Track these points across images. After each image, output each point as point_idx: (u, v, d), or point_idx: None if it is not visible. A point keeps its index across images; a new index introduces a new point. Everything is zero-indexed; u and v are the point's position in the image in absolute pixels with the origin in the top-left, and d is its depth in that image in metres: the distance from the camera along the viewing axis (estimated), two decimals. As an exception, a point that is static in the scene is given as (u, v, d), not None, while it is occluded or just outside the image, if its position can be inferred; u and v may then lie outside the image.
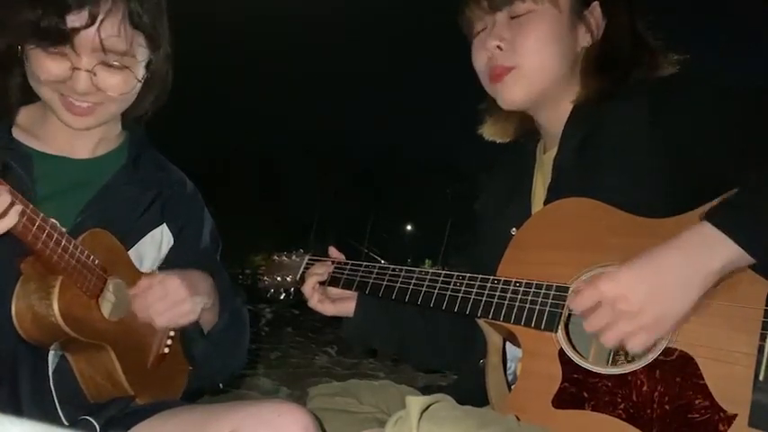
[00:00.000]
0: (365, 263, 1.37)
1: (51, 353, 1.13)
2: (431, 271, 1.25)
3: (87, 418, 1.11)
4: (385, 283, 1.30)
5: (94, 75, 1.14)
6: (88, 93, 1.16)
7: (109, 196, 1.25)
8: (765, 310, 0.90)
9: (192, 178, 1.46)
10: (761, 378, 0.87)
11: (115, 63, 1.16)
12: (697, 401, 0.91)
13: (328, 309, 1.42)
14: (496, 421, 0.97)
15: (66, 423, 1.10)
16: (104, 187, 1.26)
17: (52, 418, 1.10)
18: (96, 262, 1.13)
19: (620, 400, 0.97)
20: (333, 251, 1.48)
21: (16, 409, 1.07)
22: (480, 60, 1.23)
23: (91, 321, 1.12)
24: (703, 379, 0.92)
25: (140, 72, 1.21)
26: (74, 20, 1.09)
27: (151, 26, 1.19)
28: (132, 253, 1.27)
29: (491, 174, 1.45)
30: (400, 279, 1.28)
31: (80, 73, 1.13)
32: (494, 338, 1.20)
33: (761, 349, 0.88)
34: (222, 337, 1.34)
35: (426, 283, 1.24)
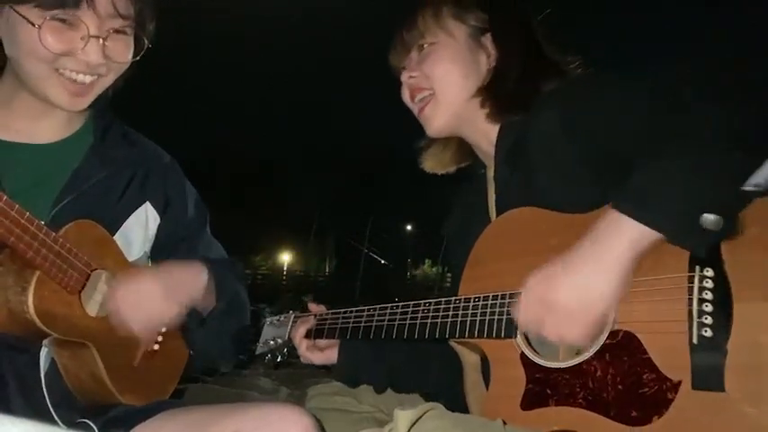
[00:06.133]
0: (343, 309, 1.43)
1: (43, 355, 1.11)
2: (401, 304, 1.32)
3: (85, 420, 1.09)
4: (362, 324, 1.36)
5: (105, 43, 1.10)
6: (98, 63, 1.11)
7: (82, 181, 1.19)
8: (689, 276, 0.94)
9: (192, 178, 1.44)
10: (695, 342, 0.91)
11: (126, 29, 1.13)
12: (645, 375, 0.95)
13: (317, 357, 1.47)
14: (484, 428, 1.01)
15: (62, 425, 1.08)
16: (75, 172, 1.19)
17: (47, 421, 1.07)
18: (79, 256, 1.09)
19: (578, 389, 1.02)
20: (312, 306, 1.54)
21: (6, 413, 1.05)
22: (405, 95, 1.37)
23: (71, 318, 1.09)
24: (647, 353, 0.96)
25: (141, 41, 1.18)
26: None
27: None
28: (118, 237, 1.23)
29: (455, 199, 1.52)
30: (375, 318, 1.34)
31: (92, 42, 1.08)
32: (468, 358, 1.26)
33: (690, 314, 0.92)
34: (219, 324, 1.32)
35: (398, 316, 1.30)
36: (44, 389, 1.09)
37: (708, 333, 0.90)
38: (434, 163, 1.47)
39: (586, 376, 1.01)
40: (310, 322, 1.48)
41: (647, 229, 0.93)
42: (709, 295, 0.92)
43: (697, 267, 0.94)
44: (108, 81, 1.18)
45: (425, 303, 1.26)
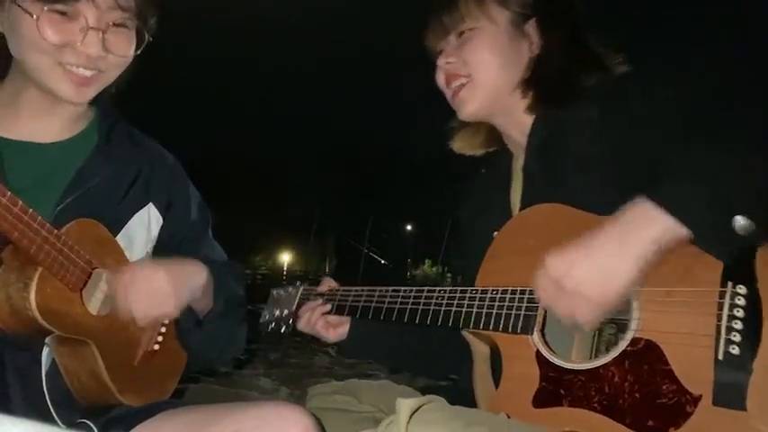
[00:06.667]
0: (355, 288, 1.41)
1: (44, 354, 1.10)
2: (414, 289, 1.30)
3: (85, 421, 1.08)
4: (373, 305, 1.35)
5: (105, 36, 1.10)
6: (98, 56, 1.10)
7: (86, 180, 1.18)
8: (720, 291, 0.93)
9: (192, 178, 1.42)
10: (720, 358, 0.90)
11: (126, 22, 1.12)
12: (664, 386, 0.94)
13: (332, 334, 1.46)
14: (484, 420, 1.00)
15: (61, 425, 1.07)
16: (79, 171, 1.19)
17: (46, 421, 1.07)
18: (81, 254, 1.08)
19: (594, 393, 1.00)
20: (322, 287, 1.52)
21: (7, 412, 1.05)
22: (440, 79, 1.34)
23: (72, 316, 1.08)
24: (669, 364, 0.95)
25: (142, 35, 1.17)
26: None
27: None
28: (121, 237, 1.22)
29: (474, 185, 1.50)
30: (387, 299, 1.33)
31: (92, 34, 1.08)
32: (479, 348, 1.24)
33: (718, 329, 0.91)
34: (217, 326, 1.31)
35: (411, 301, 1.29)
36: (45, 388, 1.09)
37: (735, 350, 0.89)
38: (464, 144, 1.44)
39: (603, 381, 1.00)
40: (324, 307, 1.46)
41: (675, 223, 0.92)
42: (740, 312, 0.90)
43: (729, 283, 0.92)
44: (111, 76, 1.18)
45: (440, 290, 1.24)
